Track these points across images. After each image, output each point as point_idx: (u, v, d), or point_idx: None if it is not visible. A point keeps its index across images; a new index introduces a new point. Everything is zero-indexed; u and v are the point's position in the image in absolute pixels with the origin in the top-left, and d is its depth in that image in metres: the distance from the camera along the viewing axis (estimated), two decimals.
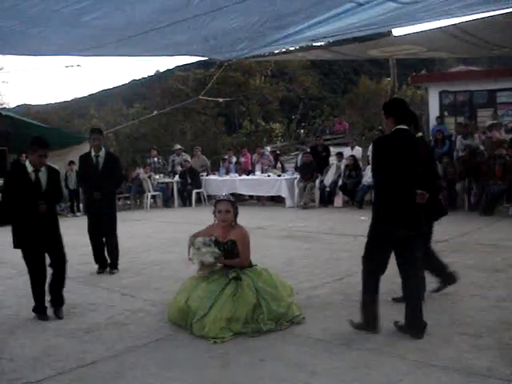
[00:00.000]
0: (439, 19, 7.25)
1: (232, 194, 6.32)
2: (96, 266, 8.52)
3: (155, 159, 19.39)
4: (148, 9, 5.49)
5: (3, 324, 6.19)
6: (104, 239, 8.60)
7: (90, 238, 8.63)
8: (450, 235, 9.94)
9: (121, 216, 15.76)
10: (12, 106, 32.81)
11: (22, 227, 6.20)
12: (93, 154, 8.55)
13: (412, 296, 5.24)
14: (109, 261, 8.51)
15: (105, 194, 8.44)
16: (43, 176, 6.31)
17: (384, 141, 5.46)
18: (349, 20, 6.67)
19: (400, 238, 5.18)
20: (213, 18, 6.20)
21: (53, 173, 6.51)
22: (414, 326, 5.13)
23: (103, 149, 8.55)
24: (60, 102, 58.06)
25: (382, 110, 5.42)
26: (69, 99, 67.12)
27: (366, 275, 5.44)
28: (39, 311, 6.39)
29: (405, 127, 5.23)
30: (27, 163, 6.32)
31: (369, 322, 5.29)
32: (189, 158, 18.93)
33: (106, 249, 8.59)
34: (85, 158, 8.79)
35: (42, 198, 6.17)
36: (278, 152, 20.51)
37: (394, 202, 5.14)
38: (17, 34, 5.80)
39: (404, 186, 5.11)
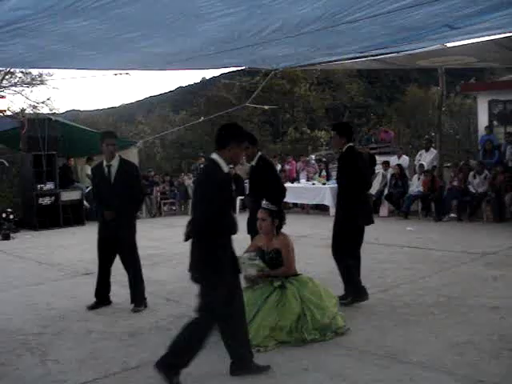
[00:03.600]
0: (494, 33, 7.13)
1: None
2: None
3: (202, 166, 19.55)
4: (198, 41, 5.60)
5: (50, 326, 6.30)
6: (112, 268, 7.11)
7: (98, 263, 7.11)
8: (499, 247, 9.73)
9: (166, 221, 16.03)
10: (61, 111, 33.49)
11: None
12: (104, 163, 6.95)
13: (357, 269, 6.75)
14: (132, 295, 6.93)
15: (120, 213, 6.78)
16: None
17: (350, 155, 6.66)
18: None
19: (362, 227, 6.68)
20: (263, 48, 6.27)
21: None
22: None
23: (117, 156, 6.94)
24: (108, 108, 59.08)
25: (334, 131, 6.83)
26: (117, 105, 68.33)
27: (347, 265, 6.61)
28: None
29: (352, 144, 6.75)
30: (221, 161, 4.56)
31: (362, 293, 6.54)
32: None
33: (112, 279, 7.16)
34: (96, 170, 7.29)
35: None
36: (324, 159, 20.39)
37: (358, 201, 6.55)
38: (69, 55, 5.97)
39: (363, 189, 6.78)
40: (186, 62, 6.92)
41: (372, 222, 6.82)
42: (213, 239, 4.43)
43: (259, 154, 6.94)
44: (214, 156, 4.58)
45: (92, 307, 6.91)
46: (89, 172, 17.01)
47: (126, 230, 6.87)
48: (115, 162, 6.88)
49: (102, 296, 7.04)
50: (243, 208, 17.79)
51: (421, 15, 5.22)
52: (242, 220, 5.99)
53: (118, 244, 6.90)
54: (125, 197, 6.76)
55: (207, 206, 4.42)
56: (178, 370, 4.46)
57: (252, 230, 6.57)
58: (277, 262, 5.73)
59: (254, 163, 6.91)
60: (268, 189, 6.58)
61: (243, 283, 5.74)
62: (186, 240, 4.68)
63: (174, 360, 4.46)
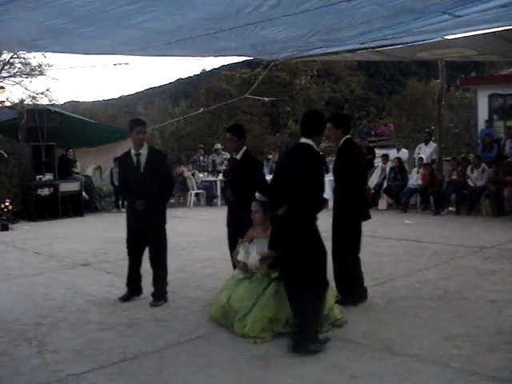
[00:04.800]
0: (493, 26, 7.11)
1: None
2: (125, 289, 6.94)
3: (201, 158, 19.52)
4: (196, 15, 5.52)
5: (48, 316, 6.31)
6: (144, 258, 6.92)
7: (128, 254, 6.94)
8: (497, 241, 9.73)
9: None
10: (61, 102, 33.25)
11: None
12: (133, 152, 6.72)
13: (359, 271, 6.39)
14: (154, 289, 6.72)
15: (150, 203, 6.54)
16: None
17: (348, 149, 6.35)
18: (400, 29, 6.65)
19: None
20: (262, 28, 6.20)
21: None
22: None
23: (146, 145, 6.73)
24: (107, 100, 58.82)
25: (330, 123, 6.16)
26: (116, 97, 68.02)
27: (353, 261, 6.33)
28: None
29: (350, 137, 6.43)
30: (313, 145, 5.13)
31: (362, 294, 6.32)
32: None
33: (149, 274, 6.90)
34: (124, 160, 6.96)
35: None
36: (321, 153, 20.38)
37: (357, 197, 6.29)
38: (67, 32, 5.88)
39: (362, 184, 6.56)
40: (184, 43, 6.74)
41: (369, 217, 6.55)
42: (312, 216, 4.99)
43: (245, 148, 6.43)
44: (307, 140, 5.05)
45: (124, 298, 6.78)
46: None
47: (157, 220, 6.66)
48: (144, 151, 6.65)
49: (135, 287, 6.89)
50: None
51: None
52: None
53: (147, 235, 6.68)
54: (155, 186, 6.55)
55: (318, 184, 4.97)
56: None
57: (230, 223, 6.50)
58: None
59: (238, 157, 6.45)
60: (253, 186, 6.30)
61: (239, 272, 5.78)
62: (278, 219, 5.04)
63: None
